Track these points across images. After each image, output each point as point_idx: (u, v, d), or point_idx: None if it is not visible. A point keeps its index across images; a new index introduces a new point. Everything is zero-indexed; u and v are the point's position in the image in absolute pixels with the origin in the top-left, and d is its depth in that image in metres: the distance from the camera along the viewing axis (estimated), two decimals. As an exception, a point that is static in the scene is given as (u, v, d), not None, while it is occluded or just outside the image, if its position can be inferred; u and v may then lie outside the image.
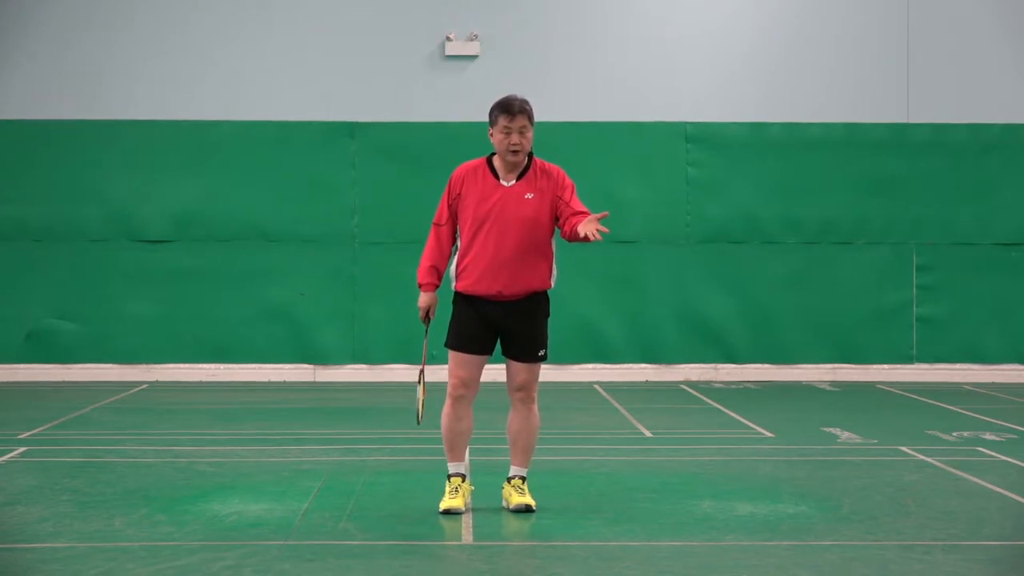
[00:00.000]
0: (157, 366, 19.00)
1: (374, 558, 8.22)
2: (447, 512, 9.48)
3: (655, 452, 12.43)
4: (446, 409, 9.80)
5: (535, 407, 9.80)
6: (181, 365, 19.02)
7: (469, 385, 9.67)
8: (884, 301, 19.41)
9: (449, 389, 9.78)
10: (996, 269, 19.42)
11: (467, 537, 8.83)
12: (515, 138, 9.48)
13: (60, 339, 18.95)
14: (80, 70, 19.18)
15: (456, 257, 9.63)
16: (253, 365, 19.06)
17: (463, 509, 9.55)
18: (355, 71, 19.36)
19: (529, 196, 9.47)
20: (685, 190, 19.01)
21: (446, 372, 9.83)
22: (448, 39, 19.31)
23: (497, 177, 9.54)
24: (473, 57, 19.38)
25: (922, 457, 12.10)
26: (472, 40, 19.33)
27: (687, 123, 19.27)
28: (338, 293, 19.14)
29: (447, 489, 9.63)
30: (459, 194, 9.64)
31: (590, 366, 19.08)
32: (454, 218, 9.62)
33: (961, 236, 19.44)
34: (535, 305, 9.58)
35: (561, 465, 11.83)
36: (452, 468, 9.72)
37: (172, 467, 11.54)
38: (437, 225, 9.70)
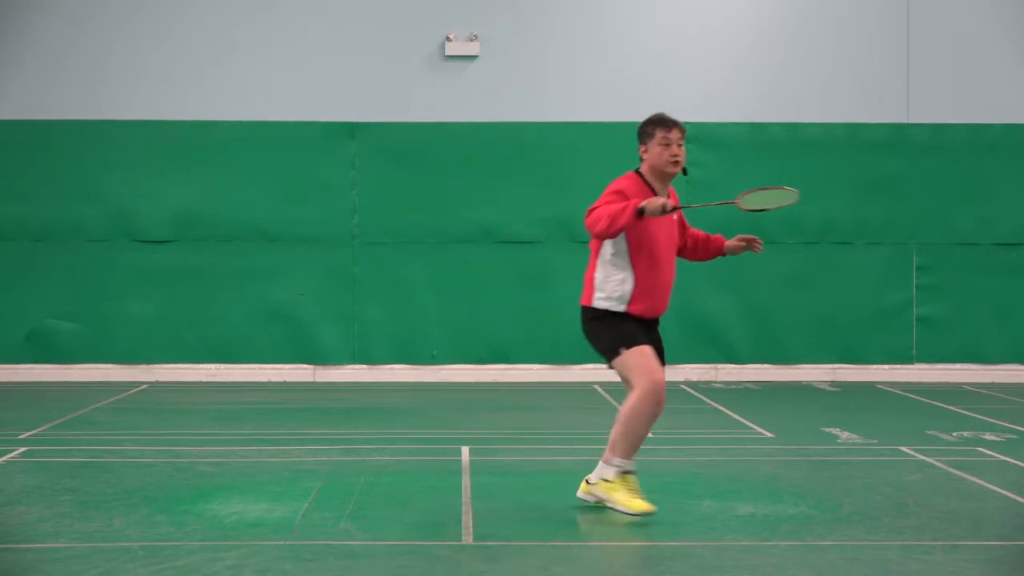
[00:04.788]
0: (157, 366, 19.00)
1: (374, 558, 8.22)
2: (645, 514, 9.16)
3: (655, 452, 12.42)
4: (648, 406, 9.17)
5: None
6: (181, 365, 19.02)
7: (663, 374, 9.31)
8: (884, 301, 19.42)
9: (649, 386, 9.14)
10: (996, 269, 19.42)
11: (467, 538, 8.82)
12: (675, 149, 9.32)
13: (60, 339, 18.95)
14: (80, 70, 19.17)
15: (628, 279, 9.30)
16: (253, 365, 19.06)
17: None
18: (355, 71, 19.36)
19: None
20: (685, 190, 18.99)
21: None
22: (448, 39, 19.31)
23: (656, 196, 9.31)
24: (473, 57, 19.38)
25: (922, 457, 12.10)
26: (472, 40, 19.33)
27: (687, 123, 19.24)
28: (338, 293, 19.14)
29: (625, 488, 9.26)
30: None
31: (590, 366, 19.07)
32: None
33: (961, 236, 19.44)
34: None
35: (561, 465, 11.82)
36: (629, 464, 9.35)
37: (172, 467, 11.54)
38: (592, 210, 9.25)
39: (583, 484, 9.53)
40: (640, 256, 9.29)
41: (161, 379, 18.90)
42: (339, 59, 19.36)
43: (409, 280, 19.12)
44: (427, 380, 18.93)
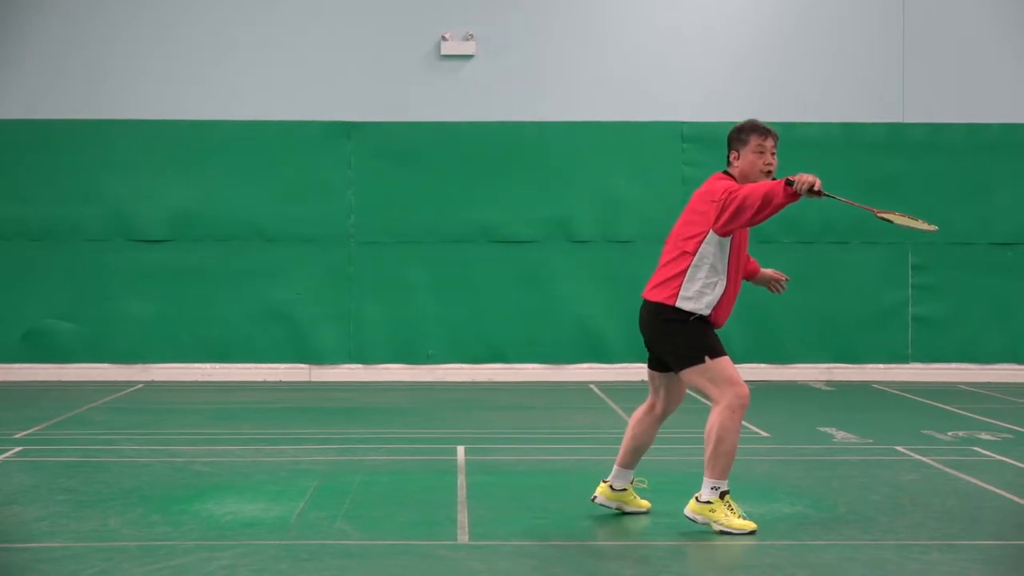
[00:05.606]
0: (153, 366, 18.99)
1: (370, 558, 8.22)
2: (750, 533, 8.91)
3: (651, 452, 12.40)
4: (737, 420, 8.95)
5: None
6: (177, 365, 19.00)
7: None
8: (880, 301, 19.41)
9: (736, 399, 8.92)
10: (993, 269, 19.42)
11: (463, 537, 8.82)
12: (768, 157, 9.09)
13: (57, 339, 18.94)
14: (78, 70, 19.16)
15: (720, 284, 9.04)
16: (249, 365, 19.05)
17: None
18: (351, 71, 19.35)
19: None
20: (681, 190, 18.97)
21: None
22: (444, 39, 19.30)
23: None
24: (469, 56, 19.37)
25: (918, 457, 12.11)
26: (468, 40, 19.32)
27: (683, 123, 19.26)
28: (335, 293, 19.13)
29: (731, 507, 8.99)
30: None
31: (586, 366, 19.08)
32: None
33: (958, 236, 19.43)
34: None
35: (557, 465, 11.83)
36: (725, 484, 9.02)
37: (168, 466, 11.54)
38: (734, 191, 8.85)
39: (692, 501, 9.10)
40: (734, 263, 9.07)
41: (157, 379, 18.89)
42: (335, 59, 19.35)
43: (406, 280, 19.11)
44: (423, 380, 18.92)
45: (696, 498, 9.04)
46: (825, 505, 9.89)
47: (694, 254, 9.03)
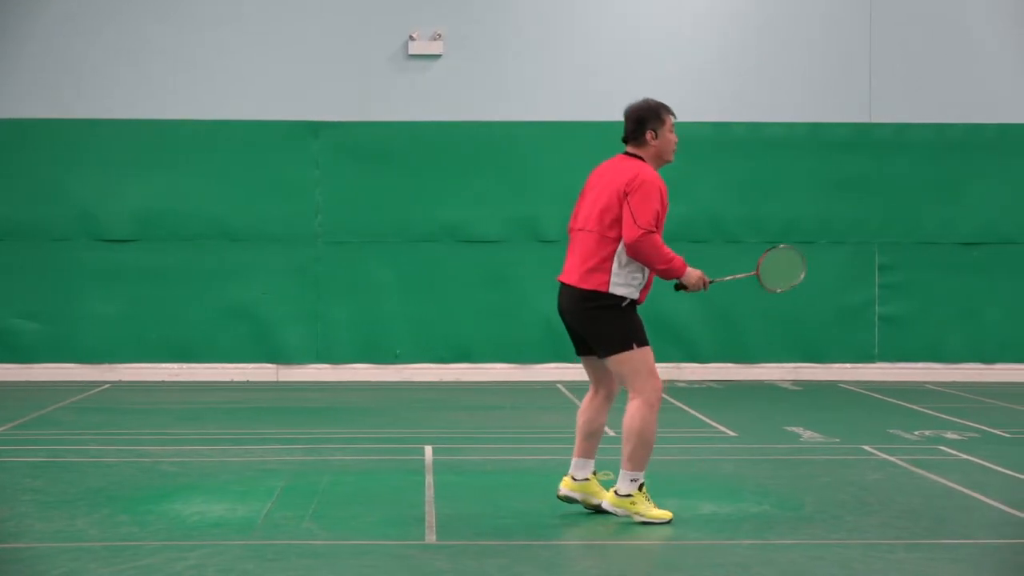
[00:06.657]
0: (120, 366, 18.92)
1: (337, 558, 8.21)
2: (668, 522, 9.10)
3: (618, 452, 12.42)
4: (655, 413, 9.16)
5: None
6: (144, 365, 18.93)
7: None
8: (847, 300, 19.45)
9: (654, 393, 9.19)
10: (959, 268, 19.47)
11: (430, 537, 8.82)
12: (675, 136, 9.32)
13: (22, 339, 18.85)
14: (45, 70, 19.04)
15: (643, 268, 9.27)
16: (216, 365, 18.99)
17: None
18: (318, 70, 19.31)
19: None
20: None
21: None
22: (411, 38, 19.28)
23: None
24: (436, 56, 19.35)
25: (884, 456, 12.15)
26: (436, 39, 19.30)
27: (651, 123, 19.24)
28: (301, 292, 19.09)
29: (647, 498, 9.18)
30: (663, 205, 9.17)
31: (553, 365, 19.07)
32: None
33: (924, 235, 19.49)
34: None
35: (524, 464, 11.83)
36: (642, 476, 9.24)
37: (134, 467, 11.50)
38: (653, 233, 9.08)
39: (611, 495, 9.25)
40: None
41: (124, 379, 18.81)
42: (302, 58, 19.30)
43: (373, 279, 19.09)
44: (390, 380, 18.90)
45: (615, 492, 9.21)
46: (791, 504, 9.91)
47: (618, 240, 9.16)
